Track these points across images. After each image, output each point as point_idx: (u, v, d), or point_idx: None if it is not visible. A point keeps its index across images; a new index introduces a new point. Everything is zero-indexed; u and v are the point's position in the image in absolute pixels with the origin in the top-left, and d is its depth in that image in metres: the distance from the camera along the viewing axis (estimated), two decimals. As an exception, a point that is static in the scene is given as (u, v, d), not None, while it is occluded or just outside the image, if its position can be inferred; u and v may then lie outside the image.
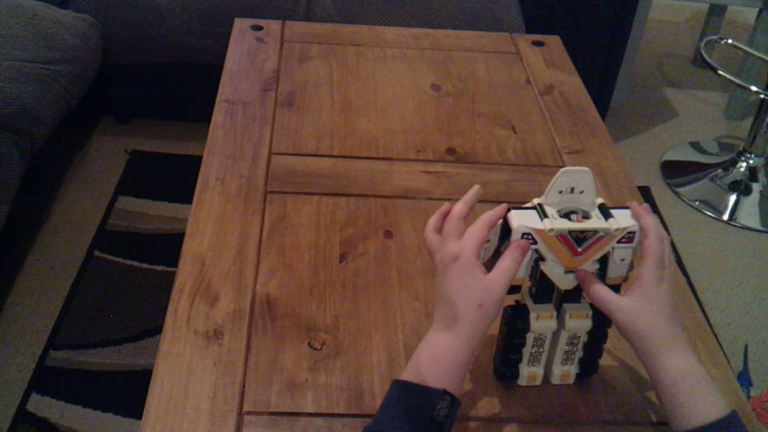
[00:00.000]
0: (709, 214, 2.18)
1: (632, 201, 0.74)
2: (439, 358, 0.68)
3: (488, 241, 0.72)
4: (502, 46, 1.48)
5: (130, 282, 1.77)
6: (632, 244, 0.72)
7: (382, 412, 0.66)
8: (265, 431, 0.74)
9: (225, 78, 1.29)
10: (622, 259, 0.73)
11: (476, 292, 0.68)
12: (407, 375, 0.68)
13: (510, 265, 0.69)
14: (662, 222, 2.12)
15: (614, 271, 0.73)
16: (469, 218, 0.73)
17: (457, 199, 0.74)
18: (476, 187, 0.75)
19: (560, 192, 0.71)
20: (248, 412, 0.76)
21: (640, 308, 0.70)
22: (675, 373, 0.69)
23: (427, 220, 0.76)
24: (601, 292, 0.72)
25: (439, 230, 0.74)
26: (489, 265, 0.70)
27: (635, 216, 0.72)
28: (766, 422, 1.57)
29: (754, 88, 2.15)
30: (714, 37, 2.31)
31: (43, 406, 1.49)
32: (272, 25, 1.47)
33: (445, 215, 0.74)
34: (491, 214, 0.71)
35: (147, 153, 2.20)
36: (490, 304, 0.68)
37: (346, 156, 1.13)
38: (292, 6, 2.00)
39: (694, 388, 0.68)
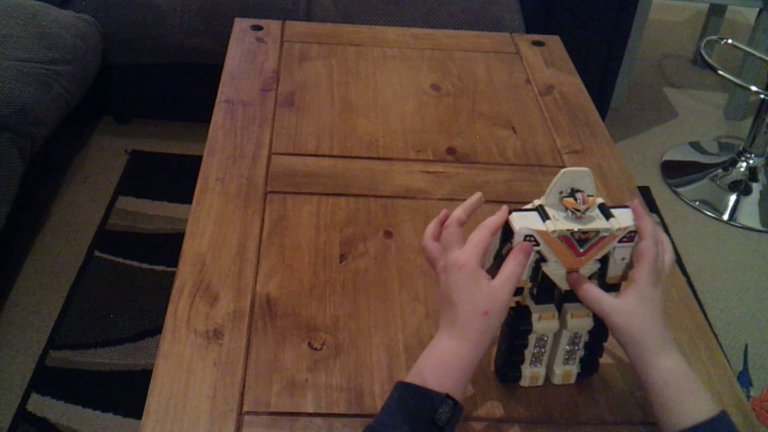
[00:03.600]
0: (709, 214, 2.18)
1: (634, 200, 0.74)
2: (444, 363, 0.68)
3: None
4: (502, 46, 1.48)
5: (130, 282, 1.77)
6: (633, 243, 0.72)
7: (384, 413, 0.66)
8: (265, 431, 0.74)
9: (225, 78, 1.29)
10: (623, 258, 0.73)
11: (481, 299, 0.67)
12: (411, 378, 0.68)
13: (514, 270, 0.68)
14: (662, 222, 2.12)
15: (615, 270, 0.73)
16: (468, 223, 0.73)
17: (458, 200, 0.74)
18: (478, 195, 0.75)
19: (561, 193, 0.71)
20: (248, 412, 0.75)
21: (635, 309, 0.70)
22: (666, 373, 0.69)
23: (427, 223, 0.76)
24: (594, 293, 0.72)
25: (437, 237, 0.74)
26: (491, 269, 0.70)
27: (636, 216, 0.72)
28: (766, 422, 1.57)
29: (754, 88, 2.15)
30: (714, 37, 2.31)
31: (43, 406, 1.49)
32: (272, 25, 1.47)
33: (443, 222, 0.74)
34: (494, 219, 0.70)
35: (147, 153, 2.20)
36: (495, 311, 0.68)
37: (346, 156, 1.13)
38: (292, 6, 2.00)
39: (685, 388, 0.68)
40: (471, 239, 0.70)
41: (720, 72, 2.18)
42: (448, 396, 0.65)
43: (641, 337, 0.70)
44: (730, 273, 1.98)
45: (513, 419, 0.77)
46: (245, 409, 0.76)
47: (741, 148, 2.33)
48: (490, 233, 0.70)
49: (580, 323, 0.76)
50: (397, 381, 0.68)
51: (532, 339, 0.76)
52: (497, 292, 0.68)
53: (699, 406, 0.67)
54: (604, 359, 0.81)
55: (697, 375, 0.70)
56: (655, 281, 0.71)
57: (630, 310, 0.70)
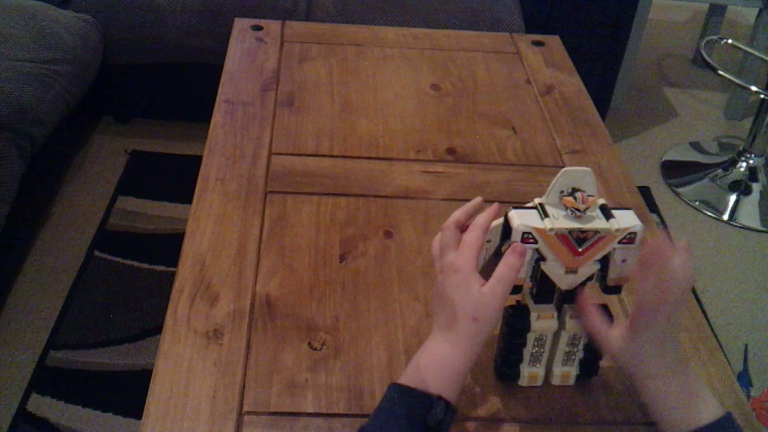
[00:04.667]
0: (709, 214, 2.18)
1: (661, 237, 0.70)
2: (437, 365, 0.68)
3: (488, 240, 0.72)
4: (502, 46, 1.48)
5: (130, 282, 1.77)
6: (633, 245, 0.72)
7: (377, 414, 0.67)
8: (265, 431, 0.74)
9: (225, 78, 1.29)
10: (624, 260, 0.73)
11: (471, 305, 0.67)
12: (405, 379, 0.68)
13: (505, 274, 0.68)
14: (662, 222, 2.12)
15: (615, 272, 0.73)
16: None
17: (457, 200, 0.74)
18: (478, 199, 0.75)
19: (561, 192, 0.71)
20: (248, 412, 0.75)
21: (631, 348, 0.71)
22: (665, 385, 0.69)
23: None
24: (595, 324, 0.73)
25: None
26: (489, 265, 0.70)
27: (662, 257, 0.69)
28: (766, 422, 1.57)
29: (754, 88, 2.15)
30: (714, 37, 2.31)
31: (43, 406, 1.49)
32: (272, 25, 1.47)
33: None
34: (484, 217, 0.71)
35: (147, 153, 2.20)
36: (484, 317, 0.67)
37: (346, 156, 1.13)
38: (292, 6, 2.00)
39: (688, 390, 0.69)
40: (464, 241, 0.70)
41: (720, 72, 2.18)
42: (440, 397, 0.65)
43: (637, 369, 0.71)
44: (730, 273, 1.98)
45: (513, 419, 0.77)
46: (245, 409, 0.76)
47: (741, 148, 2.33)
48: (483, 232, 0.70)
49: (578, 325, 0.75)
50: (391, 382, 0.68)
51: (530, 338, 0.76)
52: (486, 298, 0.67)
53: (703, 408, 0.67)
54: (604, 360, 0.81)
55: (700, 377, 0.70)
56: (668, 318, 0.69)
57: (624, 348, 0.71)
